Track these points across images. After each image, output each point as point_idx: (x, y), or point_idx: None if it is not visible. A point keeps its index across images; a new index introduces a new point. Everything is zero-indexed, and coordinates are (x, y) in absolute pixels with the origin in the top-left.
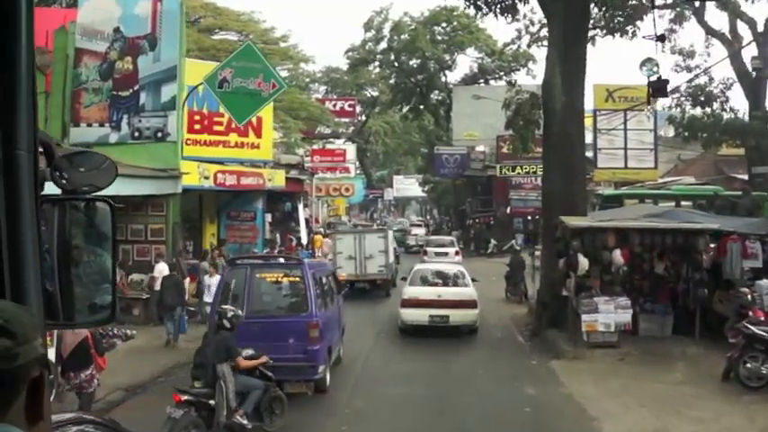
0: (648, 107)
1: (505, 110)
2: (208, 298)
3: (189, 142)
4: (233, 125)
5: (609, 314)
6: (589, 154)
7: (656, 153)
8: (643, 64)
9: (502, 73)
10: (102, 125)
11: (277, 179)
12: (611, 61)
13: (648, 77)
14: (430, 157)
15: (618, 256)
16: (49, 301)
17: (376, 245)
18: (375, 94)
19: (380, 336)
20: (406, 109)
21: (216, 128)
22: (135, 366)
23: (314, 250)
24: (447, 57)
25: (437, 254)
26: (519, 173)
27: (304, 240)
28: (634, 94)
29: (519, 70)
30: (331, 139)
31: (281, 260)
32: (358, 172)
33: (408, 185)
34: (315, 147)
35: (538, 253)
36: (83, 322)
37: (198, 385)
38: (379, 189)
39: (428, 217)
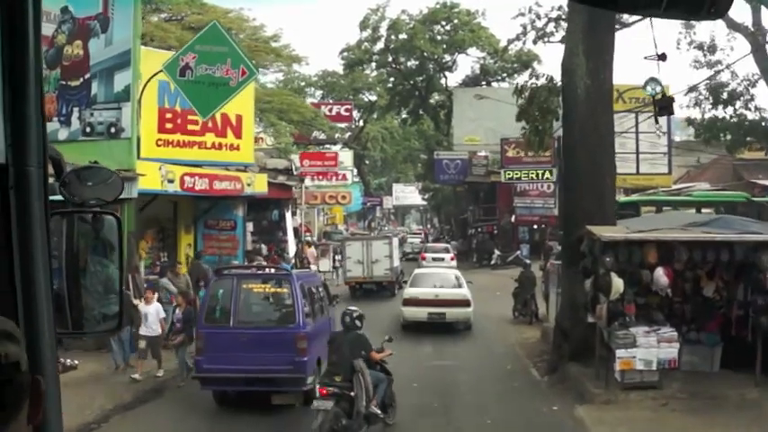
0: (658, 126)
1: (517, 98)
2: (144, 330)
3: (160, 143)
4: (209, 124)
5: (650, 349)
6: None
7: (669, 157)
8: (647, 83)
9: (505, 74)
10: (49, 120)
11: (258, 184)
12: (621, 60)
13: (654, 97)
14: (429, 164)
15: (661, 275)
16: (59, 311)
17: (382, 250)
18: (373, 98)
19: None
20: (404, 113)
21: (190, 127)
22: (81, 401)
23: (303, 261)
24: (447, 57)
25: (434, 259)
26: (525, 178)
27: (291, 251)
28: (646, 94)
29: (523, 71)
30: (327, 146)
31: (269, 271)
32: (356, 179)
33: (408, 194)
34: (304, 150)
35: (552, 264)
36: (92, 332)
37: (338, 380)
38: (378, 197)
39: (428, 226)
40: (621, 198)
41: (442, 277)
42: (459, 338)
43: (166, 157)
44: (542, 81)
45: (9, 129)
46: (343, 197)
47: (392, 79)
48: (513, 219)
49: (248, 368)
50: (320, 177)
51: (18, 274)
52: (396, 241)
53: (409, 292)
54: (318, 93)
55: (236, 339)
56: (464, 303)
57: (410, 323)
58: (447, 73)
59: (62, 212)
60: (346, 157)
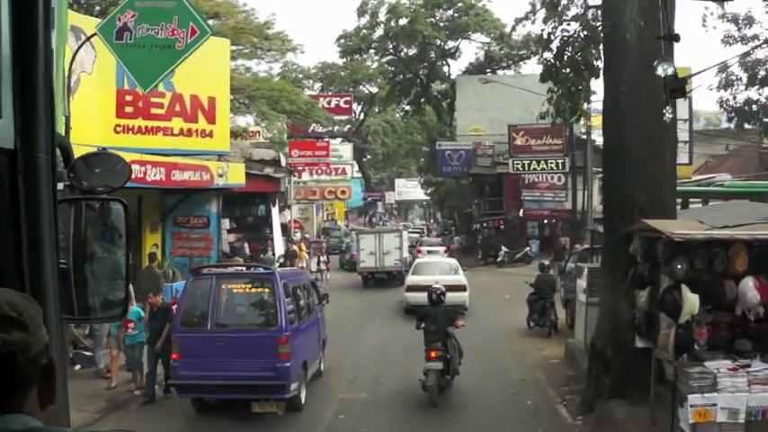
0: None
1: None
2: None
3: (118, 129)
4: (176, 107)
5: (738, 394)
6: None
7: (690, 146)
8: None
9: (510, 62)
10: None
11: (234, 175)
12: None
13: (665, 78)
14: (431, 156)
15: (750, 287)
16: (65, 297)
17: (392, 243)
18: (374, 90)
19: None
20: (405, 103)
21: (154, 111)
22: None
23: (293, 261)
24: (450, 44)
25: (429, 252)
26: (536, 168)
27: (279, 249)
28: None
29: (530, 57)
30: (326, 139)
31: (251, 270)
32: (356, 174)
33: (410, 188)
34: (293, 140)
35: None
36: (97, 318)
37: (439, 345)
38: (379, 192)
39: (431, 221)
40: None
41: (440, 266)
42: (466, 353)
43: (126, 146)
44: (575, 27)
45: (18, 115)
46: (343, 192)
47: (392, 68)
48: (521, 213)
49: (227, 374)
50: (312, 169)
51: (26, 260)
52: (405, 234)
53: (412, 279)
54: (318, 86)
55: (214, 344)
56: (461, 288)
57: (413, 307)
58: (450, 60)
59: (70, 199)
60: (346, 150)
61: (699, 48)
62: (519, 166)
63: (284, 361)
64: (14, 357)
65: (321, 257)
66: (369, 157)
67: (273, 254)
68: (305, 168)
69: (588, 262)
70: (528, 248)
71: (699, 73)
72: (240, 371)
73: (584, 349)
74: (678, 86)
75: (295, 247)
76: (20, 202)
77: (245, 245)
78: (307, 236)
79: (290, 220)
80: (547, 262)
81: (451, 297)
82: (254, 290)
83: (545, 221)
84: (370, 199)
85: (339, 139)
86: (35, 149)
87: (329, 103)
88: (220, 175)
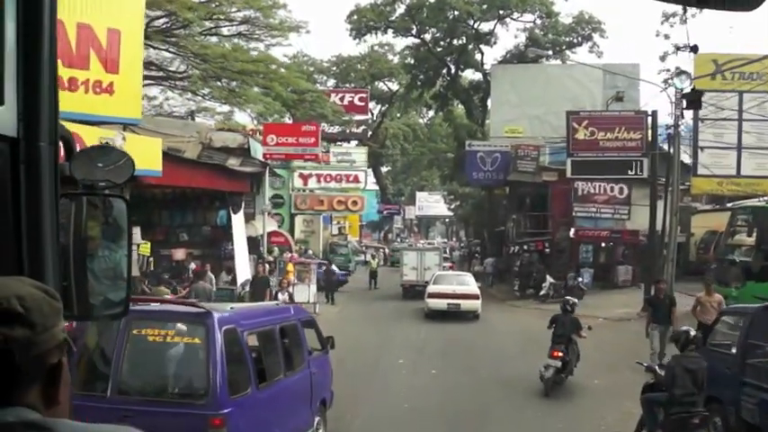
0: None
1: None
2: None
3: None
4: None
5: None
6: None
7: None
8: (677, 76)
9: (557, 48)
10: None
11: (142, 155)
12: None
13: (682, 91)
14: (458, 160)
15: None
16: (65, 294)
17: (432, 259)
18: (394, 87)
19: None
20: (429, 96)
21: None
22: None
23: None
24: (485, 27)
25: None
26: (604, 173)
27: (245, 273)
28: (754, 68)
29: (581, 45)
30: (339, 142)
31: (178, 308)
32: (372, 185)
33: (433, 203)
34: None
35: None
36: (97, 316)
37: (562, 347)
38: (396, 205)
39: (454, 239)
40: (748, 203)
41: (457, 278)
42: None
43: None
44: None
45: (21, 102)
46: (354, 203)
47: (412, 53)
48: (571, 233)
49: None
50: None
51: (26, 252)
52: (442, 251)
53: (433, 288)
54: (331, 83)
55: (113, 419)
56: (474, 297)
57: (433, 312)
58: (484, 47)
59: (71, 194)
60: (360, 155)
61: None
62: (580, 169)
63: None
64: (13, 355)
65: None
66: (387, 168)
67: (235, 279)
68: (312, 174)
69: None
70: (579, 279)
71: None
72: None
73: None
74: (695, 98)
75: (267, 266)
76: (21, 192)
77: (192, 265)
78: (292, 254)
79: (262, 234)
80: (690, 331)
81: (466, 304)
82: (178, 339)
83: (603, 245)
84: (386, 212)
85: (354, 143)
86: (38, 139)
87: (342, 99)
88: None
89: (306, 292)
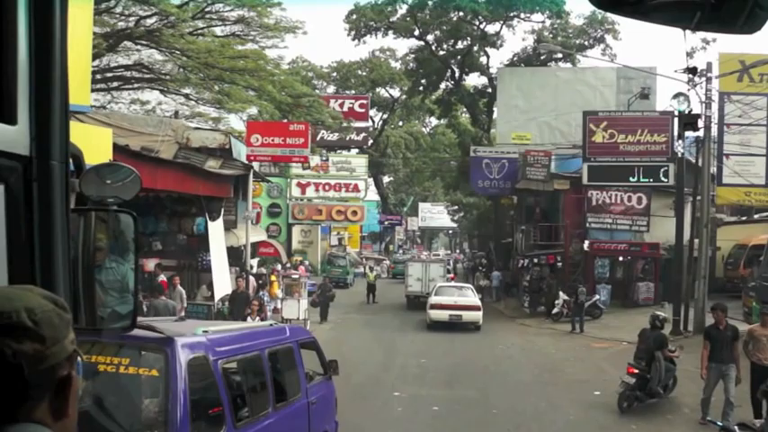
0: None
1: None
2: None
3: None
4: None
5: None
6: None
7: None
8: (674, 97)
9: (568, 51)
10: None
11: (95, 145)
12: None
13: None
14: (462, 168)
15: None
16: (74, 307)
17: (437, 271)
18: (395, 93)
19: None
20: (432, 102)
21: None
22: None
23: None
24: (491, 29)
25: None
26: (624, 178)
27: (226, 287)
28: None
29: (592, 47)
30: (338, 150)
31: (135, 331)
32: (374, 196)
33: (436, 214)
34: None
35: None
36: (105, 329)
37: (642, 364)
38: (398, 216)
39: (458, 251)
40: None
41: (459, 290)
42: None
43: None
44: None
45: (34, 122)
46: (354, 213)
47: (415, 55)
48: (585, 245)
49: None
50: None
51: (38, 269)
52: (446, 263)
53: (435, 299)
54: (331, 89)
55: None
56: (476, 308)
57: (435, 323)
58: (490, 50)
59: (80, 209)
60: (359, 163)
61: None
62: (598, 175)
63: None
64: (22, 369)
65: (300, 299)
66: (390, 178)
67: (212, 294)
68: (310, 183)
69: None
70: (597, 297)
71: None
72: None
73: None
74: (691, 121)
75: (241, 280)
76: (34, 209)
77: (160, 276)
78: (274, 267)
79: (245, 244)
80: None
81: (467, 315)
82: (132, 370)
83: (621, 258)
84: (387, 223)
85: (354, 151)
86: (50, 157)
87: (342, 105)
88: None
89: (295, 308)
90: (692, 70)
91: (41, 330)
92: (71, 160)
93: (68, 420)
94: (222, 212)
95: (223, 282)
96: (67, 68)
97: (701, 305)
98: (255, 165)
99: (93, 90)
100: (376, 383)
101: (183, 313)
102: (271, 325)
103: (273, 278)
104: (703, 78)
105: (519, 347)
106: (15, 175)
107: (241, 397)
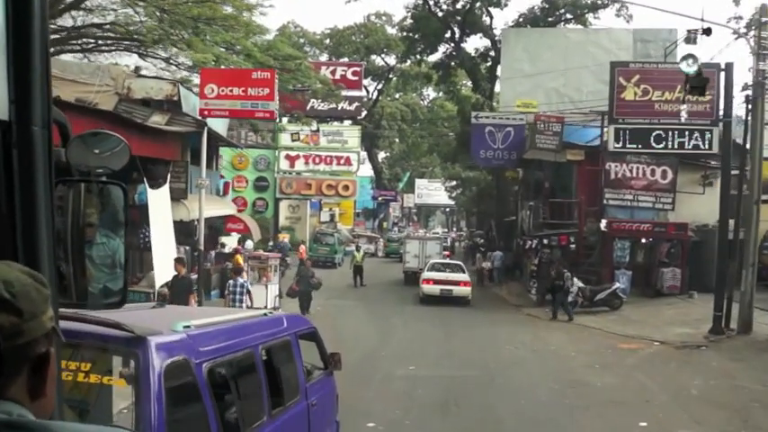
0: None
1: None
2: None
3: None
4: None
5: None
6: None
7: None
8: (683, 59)
9: (578, 11)
10: None
11: None
12: None
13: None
14: (462, 138)
15: None
16: (62, 282)
17: (434, 248)
18: (391, 61)
19: None
20: (430, 66)
21: None
22: None
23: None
24: None
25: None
26: (661, 145)
27: (167, 270)
28: None
29: (605, 7)
30: (329, 120)
31: (98, 329)
32: (368, 171)
33: (433, 191)
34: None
35: None
36: (95, 304)
37: None
38: (392, 191)
39: (455, 229)
40: None
41: (450, 265)
42: None
43: None
44: None
45: (13, 84)
46: (346, 187)
47: (411, 15)
48: (602, 225)
49: None
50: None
51: (20, 240)
52: (443, 241)
53: (427, 274)
54: (324, 58)
55: None
56: (466, 283)
57: (427, 296)
58: (493, 10)
59: (66, 180)
60: (352, 134)
61: None
62: (624, 139)
63: None
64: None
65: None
66: (386, 153)
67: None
68: (299, 156)
69: None
70: (617, 285)
71: None
72: None
73: None
74: (700, 84)
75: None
76: (14, 177)
77: None
78: (237, 246)
79: (199, 219)
80: None
81: (457, 290)
82: (94, 378)
83: (644, 240)
84: (381, 198)
85: (347, 122)
86: (31, 122)
87: (334, 73)
88: None
89: (263, 296)
90: (706, 31)
91: (18, 303)
92: (56, 128)
93: (46, 400)
94: (169, 179)
95: (167, 263)
96: (48, 27)
97: (749, 298)
98: (220, 124)
99: (65, 52)
100: (346, 411)
101: None
102: (265, 314)
103: (239, 259)
104: (752, 30)
105: (530, 348)
106: None
107: (231, 406)
